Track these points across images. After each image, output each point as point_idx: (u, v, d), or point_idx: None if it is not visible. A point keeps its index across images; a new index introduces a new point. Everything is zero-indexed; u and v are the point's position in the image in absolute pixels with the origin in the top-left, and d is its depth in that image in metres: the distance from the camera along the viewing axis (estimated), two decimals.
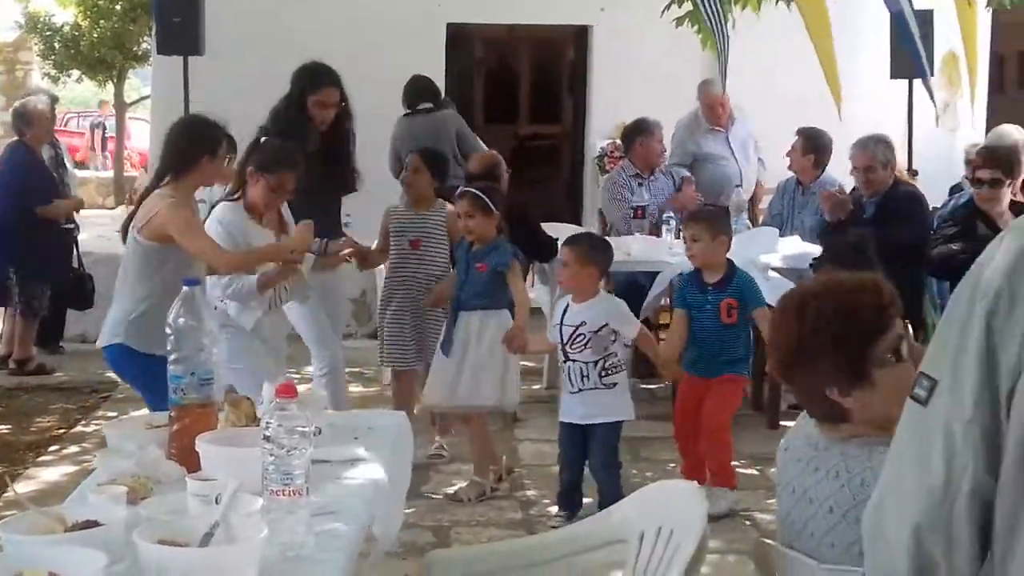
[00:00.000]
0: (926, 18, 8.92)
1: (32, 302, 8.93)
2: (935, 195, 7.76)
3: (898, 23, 8.04)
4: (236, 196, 5.69)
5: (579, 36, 12.19)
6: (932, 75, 9.43)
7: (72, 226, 9.32)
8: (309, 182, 5.92)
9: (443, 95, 9.39)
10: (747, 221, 8.72)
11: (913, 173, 9.17)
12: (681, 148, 9.12)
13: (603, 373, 5.55)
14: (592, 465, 5.65)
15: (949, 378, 1.75)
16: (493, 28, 12.58)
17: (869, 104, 9.61)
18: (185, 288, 3.12)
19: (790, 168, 8.38)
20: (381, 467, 3.25)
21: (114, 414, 7.19)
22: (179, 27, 8.72)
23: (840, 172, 8.03)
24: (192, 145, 5.17)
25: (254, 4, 10.86)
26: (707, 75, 9.22)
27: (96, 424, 7.34)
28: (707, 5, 7.20)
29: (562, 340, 5.61)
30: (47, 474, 6.53)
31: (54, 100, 9.56)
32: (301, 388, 2.92)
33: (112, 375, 8.63)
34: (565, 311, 5.64)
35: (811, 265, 6.17)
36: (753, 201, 9.29)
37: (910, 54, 8.32)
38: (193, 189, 5.26)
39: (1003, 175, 6.43)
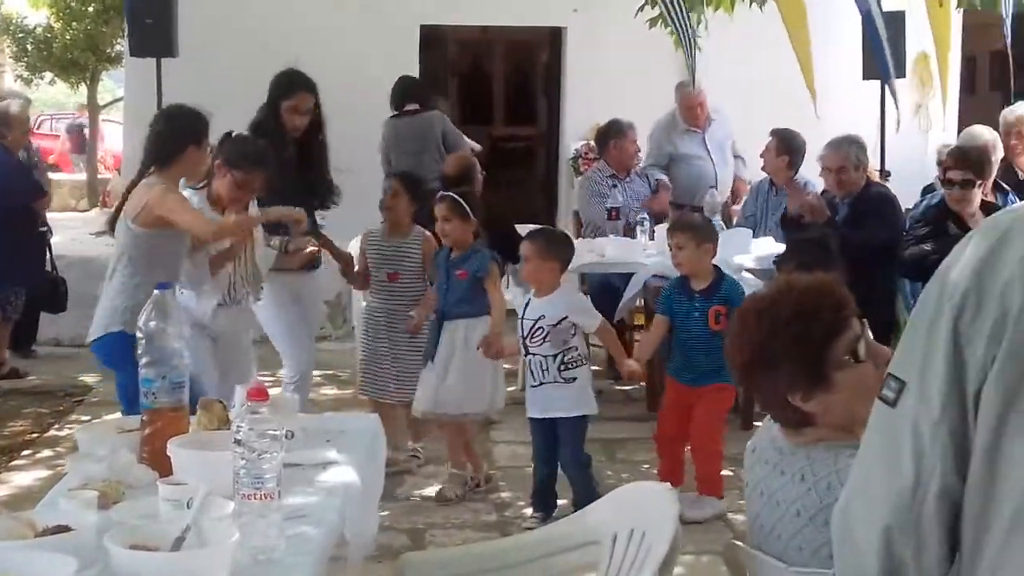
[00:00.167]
0: (897, 19, 8.95)
1: (6, 306, 8.89)
2: (908, 196, 7.79)
3: (867, 24, 8.07)
4: (201, 185, 5.69)
5: (553, 37, 12.19)
6: (904, 76, 9.48)
7: (45, 229, 9.29)
8: (283, 188, 5.95)
9: (434, 95, 9.46)
10: (721, 223, 8.75)
11: (886, 174, 9.20)
12: (658, 148, 9.15)
13: (562, 367, 5.58)
14: (561, 461, 5.69)
15: (917, 379, 1.76)
16: (467, 30, 12.58)
17: (843, 105, 9.63)
18: (156, 292, 3.11)
19: (764, 169, 8.41)
20: (353, 470, 3.25)
21: (88, 418, 7.14)
22: (152, 29, 8.68)
23: (814, 173, 8.06)
24: (178, 134, 5.20)
25: (227, 6, 10.82)
26: (682, 76, 9.21)
27: (70, 428, 7.30)
28: (673, 9, 7.21)
29: (522, 334, 5.65)
30: (20, 479, 6.50)
31: (28, 103, 9.57)
32: (273, 392, 2.92)
33: (85, 378, 8.64)
34: (527, 305, 5.69)
35: (775, 262, 6.17)
36: (734, 195, 9.31)
37: (877, 56, 8.35)
38: (179, 178, 5.27)
39: (974, 176, 6.45)
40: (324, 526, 2.83)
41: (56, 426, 7.54)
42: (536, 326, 5.60)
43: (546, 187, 12.69)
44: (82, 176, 22.57)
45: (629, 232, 8.29)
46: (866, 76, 9.19)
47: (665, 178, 8.96)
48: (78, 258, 10.55)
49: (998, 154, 7.13)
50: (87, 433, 3.48)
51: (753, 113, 9.57)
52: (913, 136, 11.11)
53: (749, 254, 7.41)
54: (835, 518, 1.92)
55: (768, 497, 2.70)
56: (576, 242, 7.97)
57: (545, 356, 5.59)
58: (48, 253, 9.25)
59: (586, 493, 5.55)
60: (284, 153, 6.24)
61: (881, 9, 7.77)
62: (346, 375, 8.33)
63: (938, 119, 11.68)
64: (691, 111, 9.03)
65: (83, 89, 23.27)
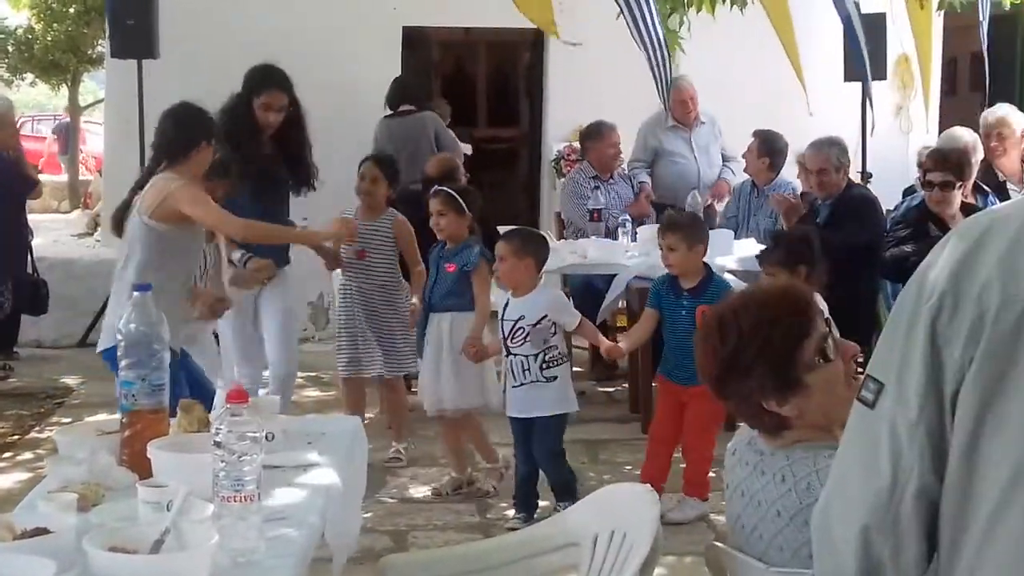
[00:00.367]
0: (878, 22, 8.99)
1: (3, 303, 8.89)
2: (889, 197, 7.80)
3: (846, 27, 8.10)
4: None
5: (535, 39, 12.18)
6: (884, 78, 9.51)
7: (26, 230, 9.27)
8: (256, 187, 5.98)
9: (431, 97, 9.45)
10: None
11: (867, 176, 9.23)
12: (644, 142, 9.18)
13: (543, 366, 5.60)
14: (536, 456, 5.70)
15: (895, 380, 1.76)
16: (449, 31, 12.56)
17: (824, 107, 9.65)
18: (136, 294, 3.10)
19: (746, 170, 8.43)
20: (335, 472, 3.25)
21: (69, 420, 7.13)
22: (133, 30, 8.65)
23: (795, 174, 8.08)
24: (193, 130, 5.21)
25: (209, 7, 10.78)
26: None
27: (51, 430, 7.27)
28: (644, 28, 7.21)
29: (503, 334, 5.65)
30: (0, 481, 6.48)
31: (11, 104, 9.57)
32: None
33: (67, 381, 8.62)
34: (506, 306, 5.70)
35: (757, 257, 6.18)
36: (717, 196, 9.31)
37: (856, 59, 8.38)
38: (191, 175, 5.18)
39: (954, 178, 6.48)
40: (305, 528, 2.82)
41: (37, 428, 7.52)
42: (516, 326, 5.61)
43: (528, 188, 12.68)
44: (63, 178, 22.49)
45: (610, 234, 8.30)
46: (848, 78, 9.22)
47: (648, 181, 8.98)
48: (60, 260, 10.54)
49: (978, 156, 7.16)
50: (67, 435, 3.46)
51: (735, 114, 9.59)
52: (894, 138, 11.14)
53: (731, 255, 7.42)
54: (815, 518, 1.92)
55: (749, 498, 2.71)
56: (558, 243, 8.02)
57: (527, 356, 5.59)
58: (29, 255, 9.22)
59: (563, 485, 5.59)
60: (257, 144, 6.26)
61: (860, 12, 7.80)
62: (328, 376, 8.31)
63: (919, 121, 11.69)
64: (683, 105, 9.05)
65: (64, 90, 23.19)
